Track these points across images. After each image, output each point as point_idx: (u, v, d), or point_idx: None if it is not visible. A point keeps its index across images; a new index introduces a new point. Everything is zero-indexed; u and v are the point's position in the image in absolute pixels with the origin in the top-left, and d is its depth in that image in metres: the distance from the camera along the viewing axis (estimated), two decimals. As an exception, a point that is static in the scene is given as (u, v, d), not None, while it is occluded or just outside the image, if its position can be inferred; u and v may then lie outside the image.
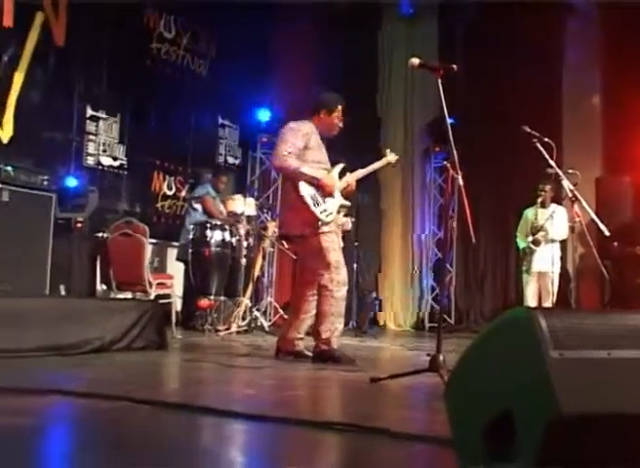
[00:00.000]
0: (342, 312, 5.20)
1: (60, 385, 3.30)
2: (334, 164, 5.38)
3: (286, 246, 7.56)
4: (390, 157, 5.86)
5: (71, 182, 8.41)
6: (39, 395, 3.05)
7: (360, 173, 5.60)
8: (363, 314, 10.11)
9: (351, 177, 5.43)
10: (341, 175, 5.37)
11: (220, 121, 11.26)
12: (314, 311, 5.24)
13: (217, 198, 9.04)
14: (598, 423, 1.55)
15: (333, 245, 5.07)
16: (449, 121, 4.04)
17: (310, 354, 5.22)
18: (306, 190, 5.05)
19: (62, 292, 7.68)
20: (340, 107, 5.38)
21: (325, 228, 5.06)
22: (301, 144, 5.13)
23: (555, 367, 1.54)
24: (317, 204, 5.05)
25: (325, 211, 5.07)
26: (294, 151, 5.07)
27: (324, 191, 5.12)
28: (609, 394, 1.56)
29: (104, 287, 7.91)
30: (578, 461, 1.60)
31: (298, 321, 5.33)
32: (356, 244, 9.32)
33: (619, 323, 1.71)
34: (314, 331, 5.24)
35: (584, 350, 1.59)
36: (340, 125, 5.43)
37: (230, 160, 11.43)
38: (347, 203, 5.39)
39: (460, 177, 3.99)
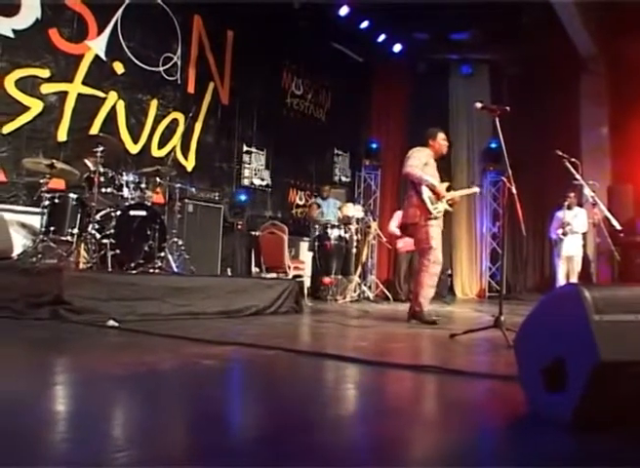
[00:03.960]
0: (434, 284, 5.10)
1: (232, 338, 3.39)
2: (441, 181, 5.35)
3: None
4: (475, 189, 5.96)
5: (241, 197, 8.72)
6: (218, 344, 3.11)
7: (460, 193, 5.53)
8: (441, 286, 9.99)
9: (456, 194, 5.35)
10: (447, 190, 5.31)
11: (335, 151, 11.31)
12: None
13: (322, 204, 9.13)
14: (628, 368, 1.50)
15: (435, 234, 5.02)
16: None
17: (435, 318, 5.07)
18: (426, 192, 5.02)
19: (229, 273, 7.87)
20: (440, 134, 5.30)
21: (433, 222, 5.01)
22: (424, 161, 5.10)
23: (597, 327, 1.51)
24: (432, 203, 5.02)
25: (436, 209, 5.03)
26: (418, 165, 5.05)
27: (437, 196, 5.09)
28: (636, 346, 1.51)
29: (257, 269, 8.05)
30: (612, 396, 1.56)
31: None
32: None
33: (641, 294, 1.65)
34: (413, 296, 5.19)
35: (618, 314, 1.54)
36: (446, 143, 5.35)
37: (343, 178, 11.47)
38: (451, 209, 5.33)
39: (513, 188, 3.88)
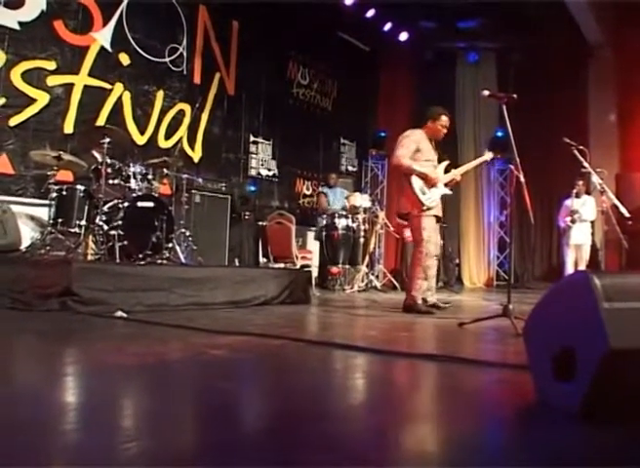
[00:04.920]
0: (427, 276, 4.96)
1: (240, 328, 3.38)
2: (440, 162, 5.20)
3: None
4: (487, 156, 5.55)
5: (251, 187, 8.74)
6: (227, 334, 3.10)
7: (463, 168, 5.40)
8: (449, 275, 9.97)
9: (456, 172, 5.22)
10: (447, 170, 5.21)
11: (342, 141, 11.28)
12: (430, 276, 5.06)
13: (329, 193, 9.13)
14: (639, 356, 1.49)
15: (428, 226, 4.91)
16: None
17: (443, 305, 5.09)
18: (416, 182, 4.89)
19: (237, 264, 7.87)
20: (443, 117, 5.08)
21: (426, 213, 4.91)
22: (414, 147, 4.93)
23: (607, 314, 1.49)
24: (424, 192, 4.89)
25: (429, 198, 4.91)
26: (407, 153, 4.90)
27: (429, 183, 4.96)
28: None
29: (265, 259, 8.05)
30: (622, 385, 1.55)
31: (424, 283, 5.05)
32: (444, 225, 9.21)
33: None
34: (406, 289, 5.13)
35: (628, 302, 1.52)
36: (444, 130, 5.14)
37: (350, 168, 11.44)
38: (449, 192, 5.20)
39: (521, 176, 3.84)
